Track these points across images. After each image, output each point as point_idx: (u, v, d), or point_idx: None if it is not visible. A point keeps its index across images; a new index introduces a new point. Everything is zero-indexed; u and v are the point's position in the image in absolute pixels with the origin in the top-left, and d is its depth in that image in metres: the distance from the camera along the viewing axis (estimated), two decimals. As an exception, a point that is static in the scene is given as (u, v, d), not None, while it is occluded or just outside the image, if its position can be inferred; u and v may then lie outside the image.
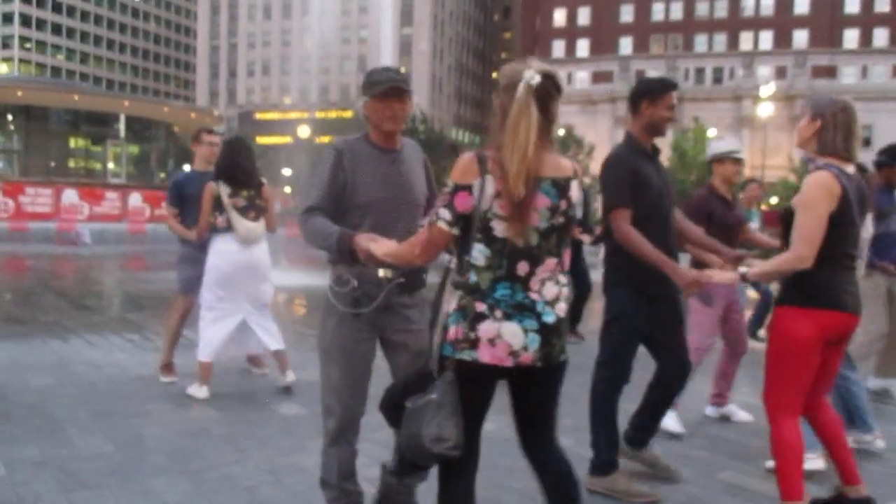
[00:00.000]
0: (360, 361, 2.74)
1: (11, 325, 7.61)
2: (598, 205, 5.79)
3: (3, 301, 9.90)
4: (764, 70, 68.19)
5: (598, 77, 73.01)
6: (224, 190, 4.88)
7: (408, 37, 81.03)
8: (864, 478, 3.47)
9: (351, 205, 2.70)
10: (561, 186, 2.24)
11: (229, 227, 4.90)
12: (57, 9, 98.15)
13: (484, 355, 2.18)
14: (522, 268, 2.21)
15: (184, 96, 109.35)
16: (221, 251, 4.92)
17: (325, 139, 57.80)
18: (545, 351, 2.22)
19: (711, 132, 50.52)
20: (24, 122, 46.08)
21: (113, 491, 3.31)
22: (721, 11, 71.47)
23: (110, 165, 53.24)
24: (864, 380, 4.68)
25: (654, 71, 71.12)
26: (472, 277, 2.22)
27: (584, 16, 74.87)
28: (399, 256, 2.40)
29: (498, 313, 2.19)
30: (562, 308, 2.26)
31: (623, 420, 3.61)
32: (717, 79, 70.52)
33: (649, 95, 3.45)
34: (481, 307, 2.20)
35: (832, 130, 3.00)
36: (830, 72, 67.49)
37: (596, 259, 9.68)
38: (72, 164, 52.45)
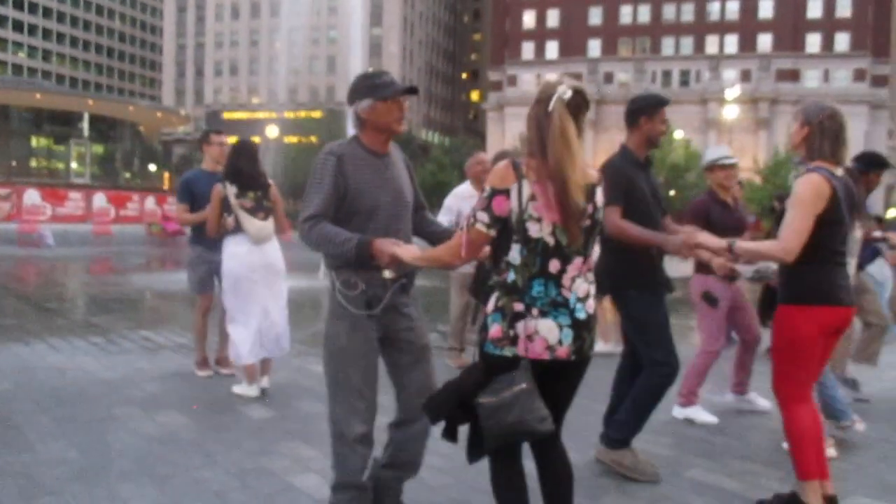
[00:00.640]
0: (376, 361, 2.83)
1: (-29, 329, 7.43)
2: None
3: (-37, 304, 9.67)
4: (730, 73, 69.30)
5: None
6: (231, 190, 4.96)
7: (378, 38, 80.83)
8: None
9: (354, 210, 2.74)
10: (589, 192, 2.40)
11: (239, 228, 4.98)
12: (18, 5, 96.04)
13: (522, 351, 2.34)
14: (554, 266, 2.36)
15: (150, 95, 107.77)
16: (235, 253, 5.01)
17: (294, 139, 57.49)
18: (577, 345, 2.38)
19: (678, 134, 51.19)
20: (-16, 121, 45.16)
21: (77, 497, 3.25)
22: (688, 15, 72.46)
23: (74, 165, 52.34)
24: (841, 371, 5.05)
25: (622, 73, 71.95)
26: (511, 276, 2.37)
27: (553, 18, 75.37)
28: (437, 259, 2.58)
29: (534, 311, 2.35)
30: (591, 305, 2.43)
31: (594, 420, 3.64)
32: (684, 81, 71.50)
33: (647, 111, 3.71)
34: (519, 307, 2.35)
35: (819, 136, 3.18)
36: (794, 75, 68.82)
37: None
38: (34, 163, 51.47)
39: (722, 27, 71.35)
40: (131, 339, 6.98)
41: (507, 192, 2.34)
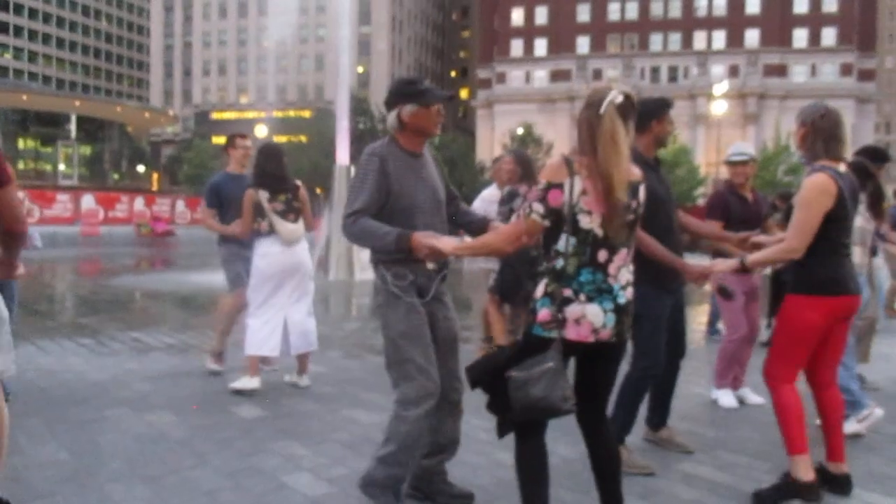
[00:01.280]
0: (430, 342, 3.01)
1: (-41, 332, 7.38)
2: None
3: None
4: (717, 69, 69.59)
5: (557, 75, 73.66)
6: (263, 195, 5.05)
7: (366, 36, 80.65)
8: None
9: (397, 208, 2.95)
10: (634, 189, 2.64)
11: (272, 231, 5.07)
12: (4, 6, 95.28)
13: (570, 333, 2.55)
14: (602, 255, 2.57)
15: (137, 96, 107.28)
16: (267, 254, 5.10)
17: (283, 139, 57.30)
18: (619, 328, 2.60)
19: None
20: (-31, 122, 44.87)
21: (68, 499, 3.24)
22: (675, 11, 72.67)
23: (61, 167, 52.05)
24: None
25: (611, 70, 72.08)
26: (560, 263, 2.57)
27: (541, 15, 75.41)
28: (489, 246, 2.77)
29: (582, 297, 2.55)
30: (630, 292, 2.65)
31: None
32: (673, 77, 71.73)
33: (657, 115, 3.90)
34: (567, 292, 2.55)
35: (813, 136, 3.35)
36: (781, 70, 69.17)
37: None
38: (21, 165, 51.13)
39: (710, 23, 71.61)
40: (121, 341, 6.95)
41: (560, 186, 2.54)
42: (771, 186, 43.07)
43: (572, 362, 2.71)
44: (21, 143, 51.55)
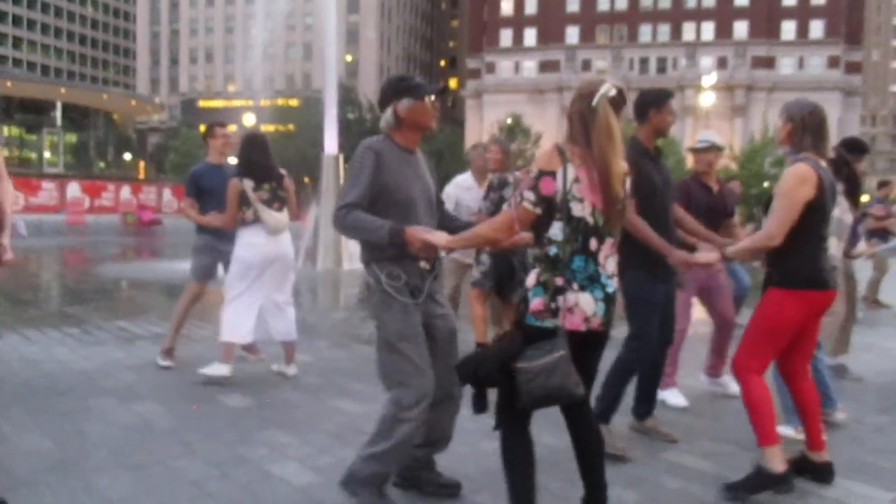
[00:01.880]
0: (426, 342, 3.01)
1: (-58, 321, 7.31)
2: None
3: (-67, 296, 9.51)
4: (706, 60, 69.73)
5: (546, 66, 73.56)
6: (248, 185, 5.01)
7: (355, 24, 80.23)
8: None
9: (392, 202, 2.94)
10: (624, 181, 2.68)
11: (256, 220, 5.03)
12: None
13: (565, 322, 2.58)
14: (593, 244, 2.62)
15: (123, 83, 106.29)
16: (251, 243, 5.05)
17: (271, 128, 56.99)
18: (607, 317, 2.65)
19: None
20: (-48, 109, 44.35)
21: (53, 488, 3.22)
22: (665, 2, 72.72)
23: (46, 155, 51.59)
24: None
25: (600, 61, 72.09)
26: (553, 250, 2.61)
27: (531, 5, 75.25)
28: (483, 237, 2.79)
29: (575, 285, 2.58)
30: (616, 281, 2.71)
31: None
32: (661, 69, 71.83)
33: (656, 105, 3.94)
34: (560, 281, 2.58)
35: (801, 132, 3.38)
36: (769, 62, 69.41)
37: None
38: (5, 153, 50.60)
39: (698, 14, 71.70)
40: (107, 330, 6.91)
41: (553, 174, 2.58)
42: (757, 178, 43.31)
43: None
44: (5, 131, 51.01)
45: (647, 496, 3.33)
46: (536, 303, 2.59)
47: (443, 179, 4.75)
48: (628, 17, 73.45)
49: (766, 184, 41.20)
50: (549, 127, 61.50)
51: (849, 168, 4.27)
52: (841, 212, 4.38)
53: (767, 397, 3.36)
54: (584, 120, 2.60)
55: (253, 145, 5.13)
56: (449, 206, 6.07)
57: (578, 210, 2.58)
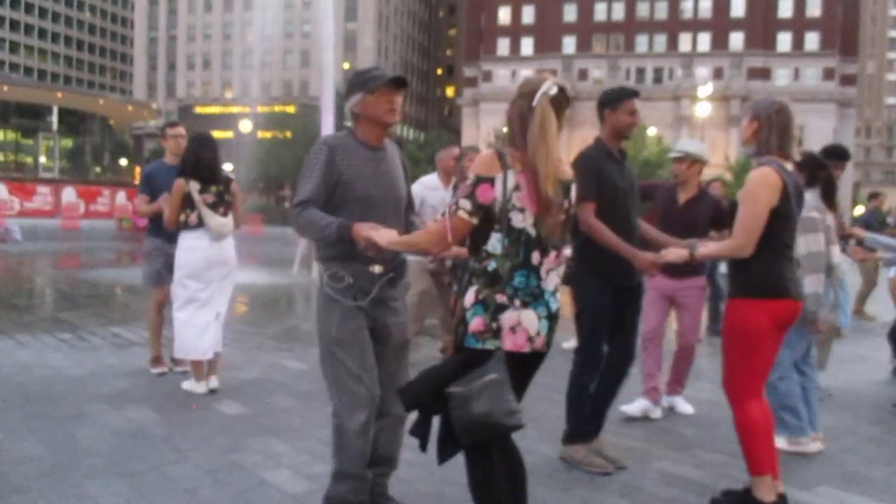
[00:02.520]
0: (369, 348, 2.87)
1: (-65, 326, 7.28)
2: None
3: (-73, 300, 9.47)
4: (702, 70, 69.90)
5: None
6: (194, 186, 4.89)
7: (352, 32, 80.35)
8: (792, 462, 3.62)
9: (346, 200, 2.80)
10: (566, 187, 2.49)
11: (200, 224, 4.91)
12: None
13: (507, 343, 2.38)
14: (535, 257, 2.41)
15: (120, 88, 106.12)
16: (193, 247, 4.93)
17: (268, 134, 56.98)
18: (550, 336, 2.46)
19: (651, 131, 51.63)
20: (-51, 114, 44.28)
21: (45, 495, 3.20)
22: (661, 13, 72.97)
23: (42, 159, 51.46)
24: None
25: (597, 70, 72.31)
26: (491, 265, 2.39)
27: (528, 14, 75.45)
28: (414, 245, 2.58)
29: (517, 302, 2.38)
30: (558, 297, 2.51)
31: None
32: (658, 79, 72.02)
33: (610, 104, 3.83)
34: (502, 298, 2.37)
35: (768, 131, 3.22)
36: (765, 73, 69.65)
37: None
38: (1, 157, 50.51)
39: (695, 25, 71.96)
40: (100, 335, 6.89)
41: (491, 181, 2.37)
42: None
43: None
44: (1, 135, 50.91)
45: (641, 506, 3.32)
46: (476, 323, 2.37)
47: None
48: (625, 26, 73.70)
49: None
50: (545, 136, 61.55)
51: (825, 171, 4.26)
52: (817, 211, 4.20)
53: (762, 423, 3.15)
54: (523, 120, 2.43)
55: (202, 145, 4.98)
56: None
57: (519, 221, 2.37)
